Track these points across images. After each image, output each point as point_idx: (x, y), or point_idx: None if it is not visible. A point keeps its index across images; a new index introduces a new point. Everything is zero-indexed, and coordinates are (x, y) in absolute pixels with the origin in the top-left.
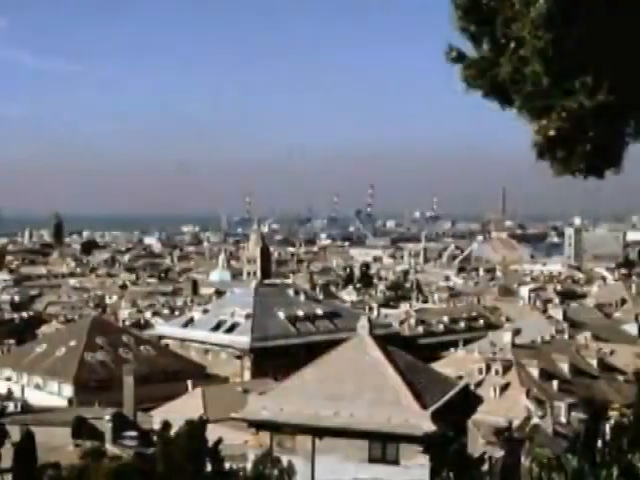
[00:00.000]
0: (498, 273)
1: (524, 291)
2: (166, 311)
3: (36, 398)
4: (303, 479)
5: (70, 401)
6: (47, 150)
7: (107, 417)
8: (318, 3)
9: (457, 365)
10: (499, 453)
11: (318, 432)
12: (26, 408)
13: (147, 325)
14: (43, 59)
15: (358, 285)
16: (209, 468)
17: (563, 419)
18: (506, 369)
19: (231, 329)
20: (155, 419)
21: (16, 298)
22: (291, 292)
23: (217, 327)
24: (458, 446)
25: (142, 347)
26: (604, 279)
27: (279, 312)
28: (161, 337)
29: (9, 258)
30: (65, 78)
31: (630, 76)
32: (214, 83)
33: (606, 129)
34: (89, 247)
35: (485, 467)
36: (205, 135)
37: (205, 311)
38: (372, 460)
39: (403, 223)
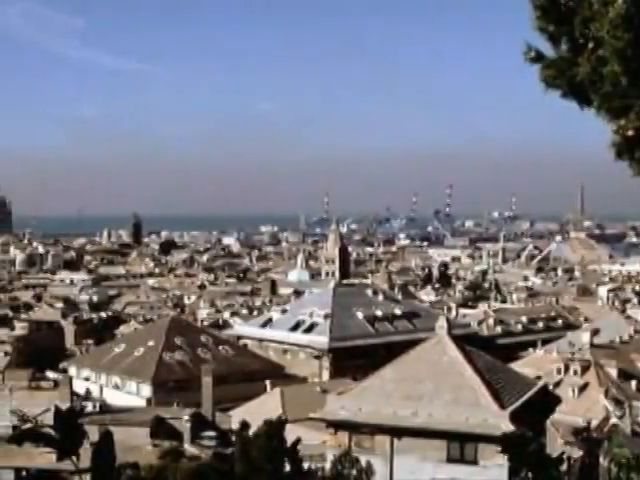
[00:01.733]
0: (576, 273)
1: (602, 291)
2: (245, 311)
3: (115, 398)
4: (381, 479)
5: (149, 401)
6: (124, 151)
7: (186, 417)
8: (394, 3)
9: (535, 365)
10: (578, 453)
11: (397, 432)
12: (105, 408)
13: (225, 325)
14: (118, 59)
15: (437, 285)
16: (287, 468)
17: None
18: (584, 369)
19: (310, 329)
20: (234, 419)
21: (95, 298)
22: (370, 292)
23: (296, 327)
24: (537, 446)
25: (221, 347)
26: None
27: (358, 312)
28: (240, 337)
29: (88, 258)
30: (139, 78)
31: None
32: (290, 83)
33: None
34: (168, 247)
35: (564, 467)
36: (281, 135)
37: (284, 311)
38: (450, 460)
39: (482, 223)
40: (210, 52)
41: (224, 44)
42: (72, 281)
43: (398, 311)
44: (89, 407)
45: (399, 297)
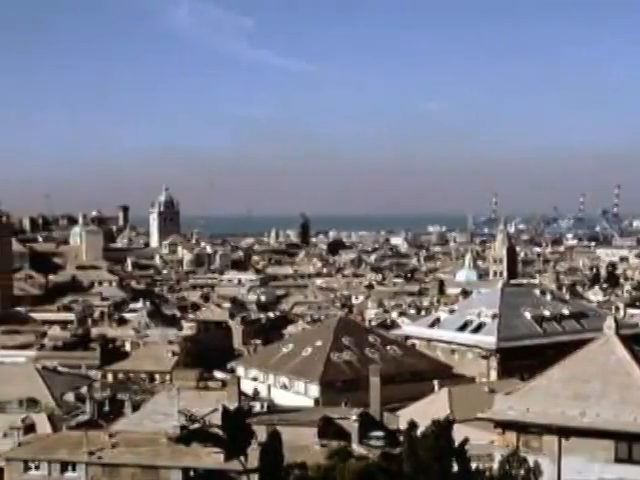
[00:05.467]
0: None
1: None
2: (412, 311)
3: (282, 398)
4: (549, 479)
5: (316, 401)
6: (293, 151)
7: (353, 417)
8: (562, 4)
9: None
10: None
11: (564, 432)
12: (272, 408)
13: (393, 325)
14: (287, 59)
15: (604, 285)
16: (455, 468)
17: None
18: None
19: (477, 329)
20: (401, 419)
21: (262, 298)
22: (537, 292)
23: (463, 327)
24: None
25: (388, 347)
26: None
27: (525, 312)
28: (407, 337)
29: (255, 258)
30: (308, 78)
31: None
32: (457, 82)
33: None
34: (336, 247)
35: None
36: (449, 135)
37: (451, 311)
38: (618, 460)
39: None
40: (378, 52)
41: (391, 44)
42: (240, 281)
43: (566, 311)
44: (257, 407)
45: (567, 297)
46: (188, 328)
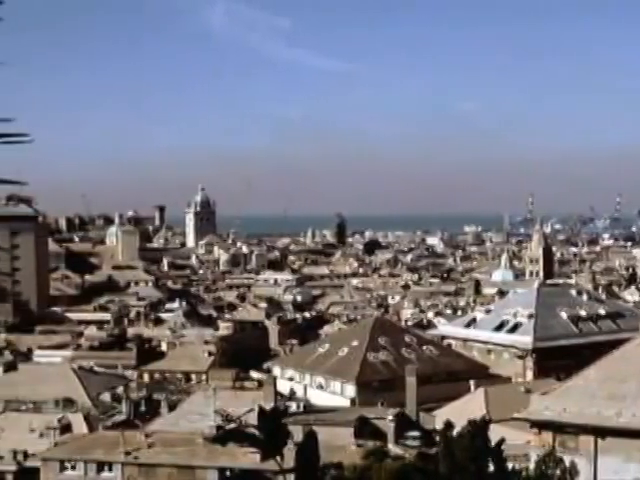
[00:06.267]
0: None
1: None
2: (449, 311)
3: (318, 398)
4: (585, 479)
5: (352, 401)
6: (328, 151)
7: (390, 417)
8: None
9: None
10: None
11: (600, 432)
12: (309, 408)
13: (430, 325)
14: (324, 60)
15: None
16: (491, 468)
17: None
18: None
19: (514, 329)
20: (437, 419)
21: (298, 298)
22: (574, 292)
23: (500, 327)
24: None
25: (425, 347)
26: None
27: (562, 312)
28: (444, 337)
29: (292, 258)
30: (345, 78)
31: None
32: (492, 82)
33: None
34: (372, 247)
35: None
36: (484, 135)
37: (488, 311)
38: None
39: None
40: (414, 52)
41: (428, 44)
42: (276, 281)
43: (602, 311)
44: (293, 407)
45: (603, 297)
46: (224, 328)
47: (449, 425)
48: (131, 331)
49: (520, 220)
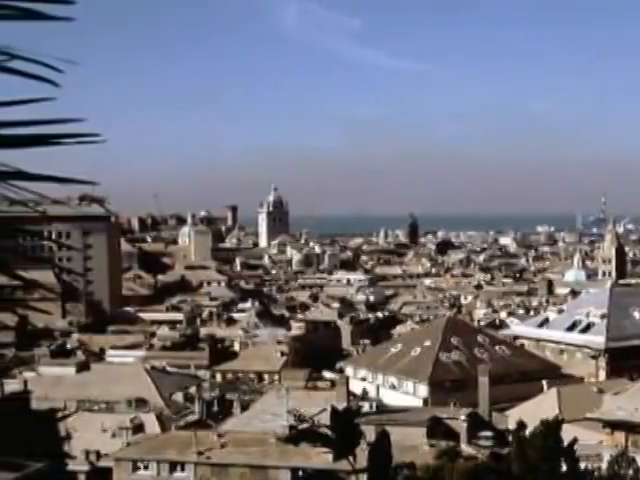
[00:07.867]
0: None
1: None
2: (521, 311)
3: (391, 398)
4: None
5: (425, 401)
6: (401, 151)
7: (462, 417)
8: None
9: None
10: None
11: None
12: (381, 408)
13: (502, 325)
14: (395, 59)
15: None
16: (564, 468)
17: None
18: None
19: (586, 329)
20: (510, 419)
21: (371, 298)
22: None
23: (572, 327)
24: None
25: (497, 347)
26: None
27: (635, 312)
28: (516, 337)
29: (364, 258)
30: (416, 78)
31: None
32: (566, 83)
33: None
34: (444, 247)
35: None
36: (558, 135)
37: (560, 311)
38: None
39: None
40: (486, 52)
41: (500, 44)
42: (349, 281)
43: None
44: (366, 407)
45: None
46: (297, 328)
47: (522, 425)
48: (203, 331)
49: (593, 220)
